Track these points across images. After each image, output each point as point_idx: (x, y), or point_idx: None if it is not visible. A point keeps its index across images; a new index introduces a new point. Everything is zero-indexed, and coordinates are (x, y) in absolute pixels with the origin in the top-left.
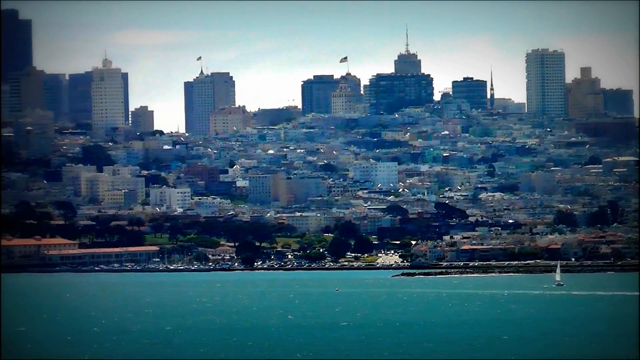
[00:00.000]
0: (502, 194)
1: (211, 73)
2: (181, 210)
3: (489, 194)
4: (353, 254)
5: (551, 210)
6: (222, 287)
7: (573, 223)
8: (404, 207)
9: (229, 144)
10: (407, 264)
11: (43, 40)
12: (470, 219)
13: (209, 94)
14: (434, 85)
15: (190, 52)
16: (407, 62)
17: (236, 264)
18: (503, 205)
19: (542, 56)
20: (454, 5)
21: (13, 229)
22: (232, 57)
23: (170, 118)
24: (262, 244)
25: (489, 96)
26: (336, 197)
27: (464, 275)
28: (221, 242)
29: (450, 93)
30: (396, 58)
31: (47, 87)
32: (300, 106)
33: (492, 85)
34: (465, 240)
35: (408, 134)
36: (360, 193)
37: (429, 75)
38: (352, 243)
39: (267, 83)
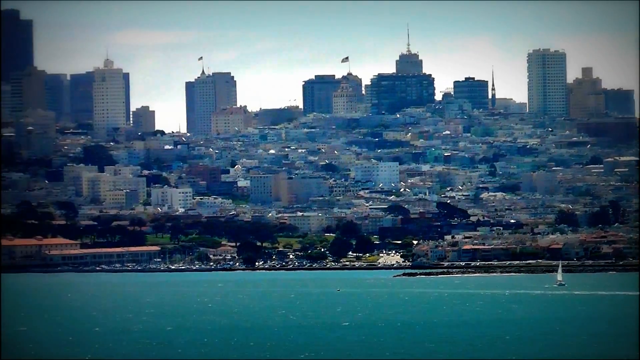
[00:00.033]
0: (504, 194)
1: (212, 73)
2: (182, 210)
3: (491, 193)
4: (354, 254)
5: (552, 210)
6: (223, 287)
7: (574, 223)
8: (406, 207)
9: (230, 144)
10: (408, 264)
11: (44, 40)
12: (471, 218)
13: (210, 94)
14: (435, 85)
15: (192, 52)
16: (409, 62)
17: (237, 264)
18: (504, 205)
19: (544, 56)
20: (455, 5)
21: (14, 229)
22: (234, 57)
23: (171, 118)
24: (264, 244)
25: (490, 96)
26: (337, 197)
27: (465, 275)
28: (222, 242)
29: (452, 93)
30: (397, 58)
31: (48, 87)
32: (301, 106)
33: (493, 85)
34: (466, 240)
35: (409, 134)
36: (361, 193)
37: (431, 75)
38: (354, 243)
39: (269, 83)
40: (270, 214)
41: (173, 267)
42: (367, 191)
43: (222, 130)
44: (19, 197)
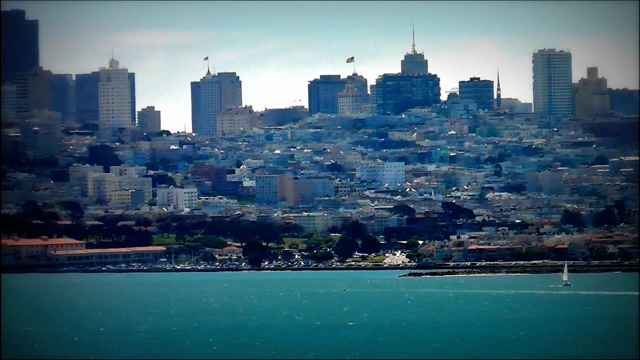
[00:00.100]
0: (509, 194)
1: (218, 73)
2: (188, 210)
3: (496, 193)
4: (360, 254)
5: (558, 210)
6: (229, 287)
7: (580, 223)
8: (411, 207)
9: (235, 144)
10: (414, 263)
11: (49, 41)
12: (477, 218)
13: (215, 94)
14: (440, 86)
15: (197, 52)
16: (414, 62)
17: (243, 264)
18: (510, 205)
19: (549, 56)
20: (460, 5)
21: (20, 229)
22: (239, 57)
23: (177, 118)
24: (269, 244)
25: (495, 96)
26: (343, 197)
27: (470, 275)
28: (228, 242)
29: (457, 93)
30: (403, 58)
31: (54, 88)
32: (307, 106)
33: (498, 85)
34: (472, 240)
35: (415, 134)
36: (367, 193)
37: (436, 75)
38: (359, 243)
39: (274, 83)
40: (275, 214)
41: (179, 267)
42: (372, 191)
43: (227, 131)
44: (24, 197)
